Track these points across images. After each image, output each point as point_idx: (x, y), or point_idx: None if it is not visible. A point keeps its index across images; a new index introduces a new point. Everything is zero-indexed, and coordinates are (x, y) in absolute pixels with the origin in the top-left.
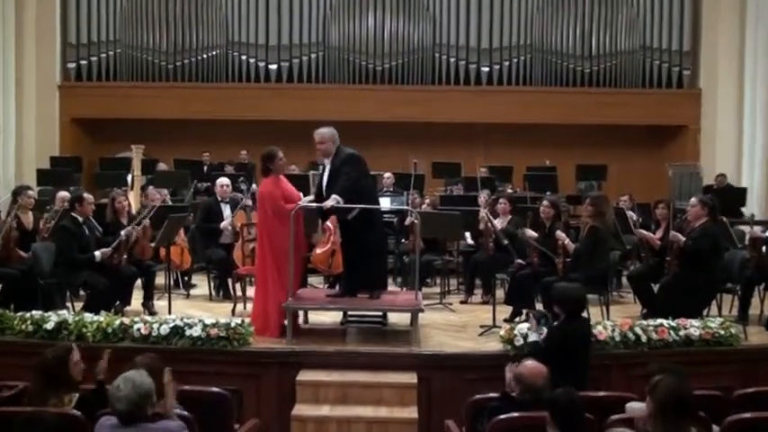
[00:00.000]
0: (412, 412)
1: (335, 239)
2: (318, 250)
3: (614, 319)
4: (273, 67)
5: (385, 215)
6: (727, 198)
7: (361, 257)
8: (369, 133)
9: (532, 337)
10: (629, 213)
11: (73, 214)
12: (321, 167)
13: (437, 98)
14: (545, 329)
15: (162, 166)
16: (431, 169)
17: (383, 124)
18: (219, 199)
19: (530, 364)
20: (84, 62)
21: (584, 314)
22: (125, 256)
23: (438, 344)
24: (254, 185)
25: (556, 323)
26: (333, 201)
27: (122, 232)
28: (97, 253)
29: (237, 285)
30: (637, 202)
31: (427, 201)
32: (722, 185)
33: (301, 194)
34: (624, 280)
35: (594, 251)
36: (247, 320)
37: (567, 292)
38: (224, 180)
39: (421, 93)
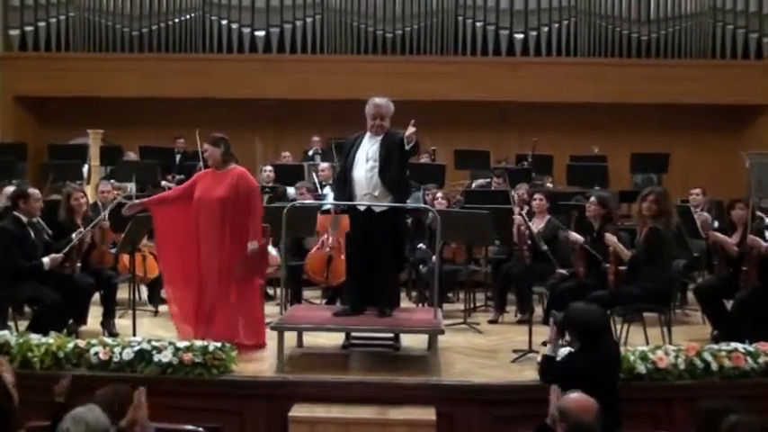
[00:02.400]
0: None
1: (332, 243)
2: (312, 255)
3: (678, 343)
4: (261, 33)
5: None
6: None
7: (371, 266)
8: None
9: (546, 350)
10: (703, 214)
11: (16, 213)
12: (350, 146)
13: (460, 72)
14: (565, 349)
15: (130, 156)
16: (453, 158)
17: (394, 103)
18: None
19: (576, 396)
20: (29, 28)
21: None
22: (79, 265)
23: (462, 372)
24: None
25: (574, 349)
26: None
27: (73, 235)
28: (45, 259)
29: None
30: (713, 200)
31: (440, 195)
32: None
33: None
34: (690, 294)
35: (655, 259)
36: (229, 344)
37: (580, 315)
38: None
39: (440, 65)
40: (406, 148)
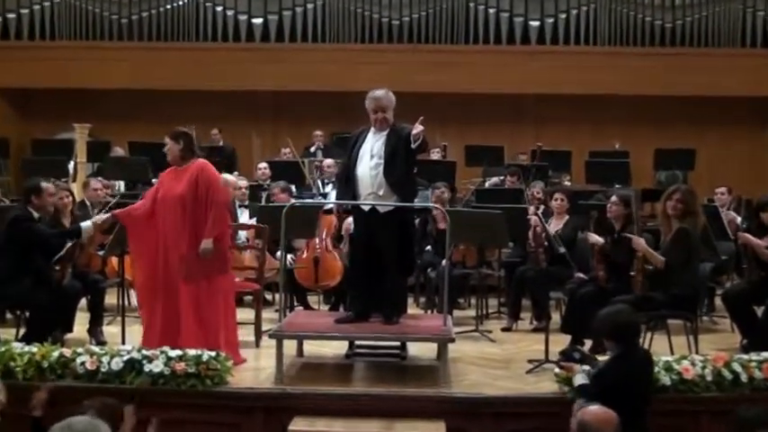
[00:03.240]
0: None
1: (318, 243)
2: (299, 262)
3: (705, 353)
4: (258, 21)
5: None
6: None
7: (376, 269)
8: None
9: (579, 380)
10: (730, 213)
11: (28, 208)
12: (354, 142)
13: (472, 62)
14: (588, 367)
15: (118, 152)
16: (464, 154)
17: (401, 96)
18: None
19: (595, 409)
20: (11, 15)
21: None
22: (70, 270)
23: (473, 384)
24: (227, 176)
25: (605, 358)
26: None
27: (85, 224)
28: (87, 223)
29: None
30: (743, 199)
31: (433, 200)
32: None
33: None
34: (718, 300)
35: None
36: (224, 353)
37: (616, 318)
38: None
39: (451, 55)
40: (412, 146)
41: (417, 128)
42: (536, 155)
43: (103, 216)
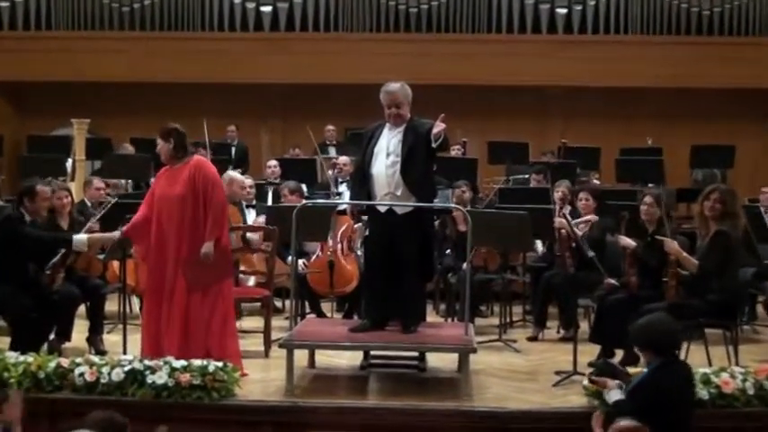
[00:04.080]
0: None
1: (332, 246)
2: (313, 266)
3: (746, 365)
4: (267, 9)
5: None
6: None
7: (393, 274)
8: None
9: (614, 396)
10: None
11: (21, 210)
12: (369, 138)
13: (495, 52)
14: (622, 383)
15: (128, 149)
16: (486, 151)
17: (419, 88)
18: None
19: (626, 425)
20: (5, 3)
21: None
22: (62, 275)
23: (497, 397)
24: (234, 174)
25: (637, 371)
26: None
27: (78, 238)
28: (81, 237)
29: None
30: None
31: (453, 200)
32: None
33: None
34: (760, 308)
35: (722, 267)
36: (231, 363)
37: (656, 327)
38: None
39: (472, 45)
40: (433, 145)
41: (439, 126)
42: (561, 152)
43: (107, 235)
